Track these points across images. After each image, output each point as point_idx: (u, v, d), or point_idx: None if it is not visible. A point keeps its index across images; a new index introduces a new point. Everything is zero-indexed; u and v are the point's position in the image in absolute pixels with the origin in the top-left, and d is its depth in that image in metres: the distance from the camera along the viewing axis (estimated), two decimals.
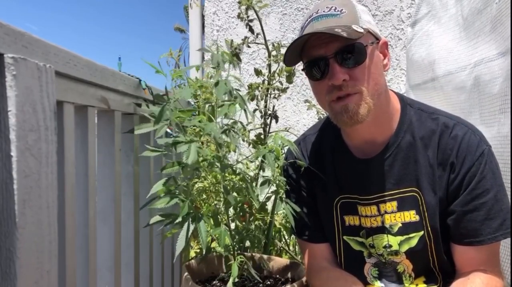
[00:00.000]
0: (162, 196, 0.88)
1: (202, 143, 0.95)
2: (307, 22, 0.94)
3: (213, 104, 0.99)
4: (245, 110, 0.96)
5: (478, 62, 1.24)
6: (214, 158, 0.93)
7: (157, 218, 0.89)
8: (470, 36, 1.32)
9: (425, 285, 1.02)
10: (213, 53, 0.97)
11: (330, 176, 1.07)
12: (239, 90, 0.98)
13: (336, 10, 0.91)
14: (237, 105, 0.94)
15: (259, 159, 1.05)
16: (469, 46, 1.33)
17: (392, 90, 1.06)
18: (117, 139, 1.05)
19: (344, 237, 1.08)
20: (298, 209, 1.00)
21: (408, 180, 0.98)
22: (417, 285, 1.03)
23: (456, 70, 1.42)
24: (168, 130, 0.98)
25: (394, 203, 1.00)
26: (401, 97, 1.05)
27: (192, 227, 0.85)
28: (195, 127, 1.00)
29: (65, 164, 0.78)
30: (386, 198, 1.00)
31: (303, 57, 0.97)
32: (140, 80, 1.15)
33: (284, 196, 1.02)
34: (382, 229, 1.02)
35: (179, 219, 0.85)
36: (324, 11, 0.92)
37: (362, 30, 0.90)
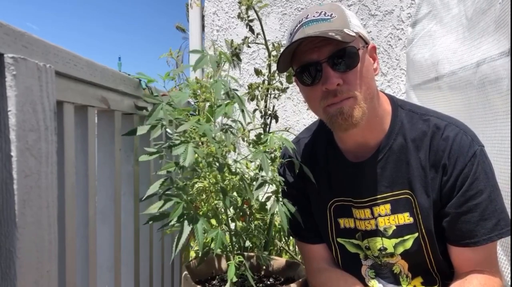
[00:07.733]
0: (160, 198, 0.88)
1: (203, 143, 0.95)
2: (296, 27, 0.93)
3: (212, 104, 0.99)
4: (242, 111, 0.95)
5: (480, 62, 1.24)
6: (213, 158, 0.93)
7: (154, 216, 0.89)
8: (474, 36, 1.32)
9: None
10: (203, 54, 0.96)
11: (323, 180, 1.07)
12: (237, 90, 0.98)
13: (326, 15, 0.91)
14: (235, 105, 0.94)
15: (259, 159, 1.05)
16: (472, 46, 1.33)
17: (383, 92, 1.06)
18: (117, 139, 1.05)
19: (338, 240, 1.08)
20: (294, 210, 0.99)
21: (401, 183, 0.98)
22: (414, 286, 1.03)
23: (460, 70, 1.42)
24: (169, 130, 0.98)
25: (388, 206, 1.00)
26: (391, 99, 1.04)
27: (189, 228, 0.85)
28: (195, 127, 1.00)
29: (65, 164, 0.78)
30: (380, 201, 1.00)
31: (294, 63, 0.96)
32: (140, 80, 1.15)
33: (280, 196, 1.02)
34: (377, 232, 1.02)
35: (174, 220, 0.85)
36: (314, 16, 0.91)
37: (354, 34, 0.90)
